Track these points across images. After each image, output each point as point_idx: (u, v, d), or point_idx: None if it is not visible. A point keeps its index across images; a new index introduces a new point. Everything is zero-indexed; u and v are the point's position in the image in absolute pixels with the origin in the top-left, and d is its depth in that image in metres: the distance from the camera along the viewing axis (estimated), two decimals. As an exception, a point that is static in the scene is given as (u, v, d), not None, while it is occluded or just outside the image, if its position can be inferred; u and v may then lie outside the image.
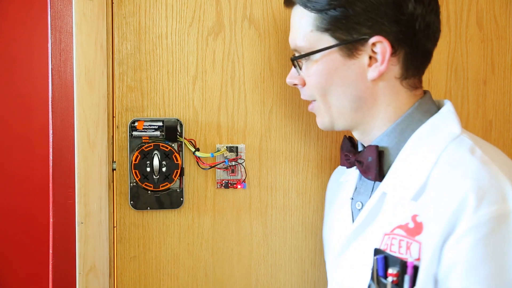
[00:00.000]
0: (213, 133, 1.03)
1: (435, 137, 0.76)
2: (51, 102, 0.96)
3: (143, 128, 0.99)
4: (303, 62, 0.83)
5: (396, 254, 0.72)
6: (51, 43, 0.96)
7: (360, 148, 0.88)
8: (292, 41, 0.84)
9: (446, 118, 0.79)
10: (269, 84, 1.05)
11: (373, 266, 0.75)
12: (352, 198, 0.87)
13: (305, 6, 0.79)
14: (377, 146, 0.80)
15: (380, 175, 0.79)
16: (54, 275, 0.97)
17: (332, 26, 0.77)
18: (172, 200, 1.01)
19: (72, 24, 0.95)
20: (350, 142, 0.89)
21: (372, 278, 0.75)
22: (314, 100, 0.85)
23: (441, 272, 0.67)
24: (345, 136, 0.90)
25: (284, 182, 1.07)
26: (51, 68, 0.96)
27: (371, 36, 0.76)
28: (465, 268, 0.65)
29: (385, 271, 0.73)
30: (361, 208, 0.84)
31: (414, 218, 0.72)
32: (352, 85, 0.79)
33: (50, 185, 0.97)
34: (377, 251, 0.75)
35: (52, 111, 0.96)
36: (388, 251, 0.74)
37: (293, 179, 1.07)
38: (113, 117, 0.99)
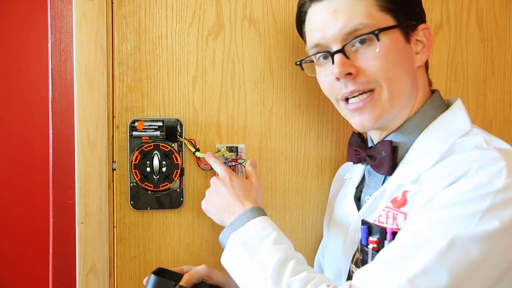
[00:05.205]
0: (213, 133, 1.03)
1: (445, 132, 0.79)
2: (51, 102, 0.96)
3: (143, 128, 0.99)
4: (358, 47, 0.78)
5: (384, 225, 0.76)
6: (51, 43, 0.96)
7: (370, 144, 0.90)
8: (348, 23, 0.77)
9: (456, 114, 0.82)
10: (269, 84, 1.05)
11: (359, 237, 0.79)
12: (362, 192, 0.88)
13: None
14: (391, 142, 0.81)
15: (392, 169, 0.81)
16: (54, 275, 0.97)
17: (396, 7, 0.78)
18: (172, 200, 1.01)
19: (72, 24, 0.95)
20: (360, 138, 0.90)
21: (357, 248, 0.79)
22: (367, 92, 0.79)
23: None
24: (354, 132, 0.91)
25: (284, 182, 1.07)
26: (51, 68, 0.96)
27: (419, 23, 0.82)
28: (427, 209, 0.68)
29: (367, 240, 0.77)
30: None
31: (404, 193, 0.76)
32: (410, 69, 0.81)
33: (50, 185, 0.97)
34: (363, 222, 0.79)
35: (52, 111, 0.96)
36: (376, 222, 0.77)
37: (293, 179, 1.07)
38: (113, 117, 0.99)
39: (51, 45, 0.96)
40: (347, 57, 0.78)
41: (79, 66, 0.95)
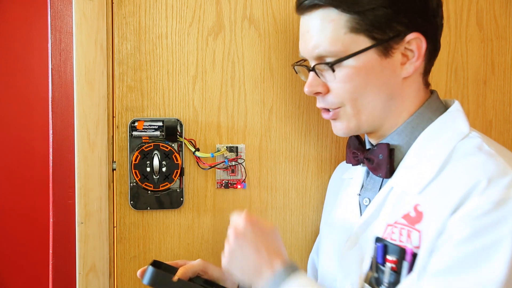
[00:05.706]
0: (213, 133, 1.03)
1: (444, 135, 0.78)
2: (51, 102, 0.96)
3: (143, 128, 0.99)
4: (327, 69, 0.79)
5: (397, 242, 0.74)
6: (51, 43, 0.96)
7: (368, 146, 0.89)
8: (316, 47, 0.78)
9: (455, 117, 0.80)
10: (269, 84, 1.05)
11: (373, 254, 0.77)
12: (359, 194, 0.88)
13: (339, 7, 0.75)
14: (388, 144, 0.81)
15: (390, 172, 0.80)
16: (54, 275, 0.97)
17: (369, 27, 0.75)
18: (172, 200, 1.01)
19: (72, 24, 0.95)
20: (357, 140, 0.89)
21: (371, 266, 0.77)
22: (338, 108, 0.81)
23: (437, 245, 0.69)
24: None
25: (284, 182, 1.07)
26: (51, 68, 0.96)
27: (406, 33, 0.76)
28: (456, 240, 0.66)
29: (384, 259, 0.75)
30: (369, 203, 0.85)
31: (415, 207, 0.74)
32: (386, 85, 0.79)
33: (50, 185, 0.97)
34: (378, 240, 0.77)
35: (52, 111, 0.96)
36: (388, 240, 0.75)
37: (293, 179, 1.07)
38: (113, 117, 0.99)
39: (51, 45, 0.96)
40: (319, 76, 0.80)
41: (79, 66, 0.95)
